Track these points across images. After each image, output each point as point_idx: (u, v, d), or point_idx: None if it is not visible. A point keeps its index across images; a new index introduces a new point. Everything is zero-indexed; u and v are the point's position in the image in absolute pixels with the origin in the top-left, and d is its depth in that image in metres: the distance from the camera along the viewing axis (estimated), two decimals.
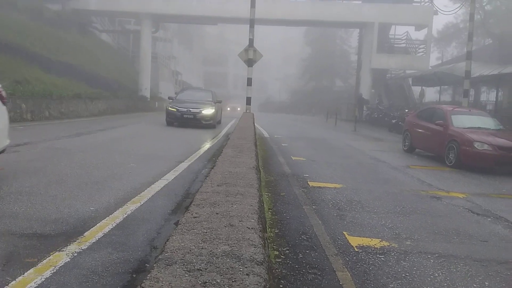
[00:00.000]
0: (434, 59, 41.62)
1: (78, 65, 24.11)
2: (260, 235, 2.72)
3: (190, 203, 3.47)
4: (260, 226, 2.94)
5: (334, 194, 6.54)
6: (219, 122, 19.13)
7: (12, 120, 13.97)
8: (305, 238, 4.40)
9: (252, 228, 2.79)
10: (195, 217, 2.99)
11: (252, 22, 17.61)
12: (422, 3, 33.33)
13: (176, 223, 4.20)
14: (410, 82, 32.64)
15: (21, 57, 18.75)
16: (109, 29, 39.49)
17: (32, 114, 15.38)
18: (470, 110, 13.13)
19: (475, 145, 10.20)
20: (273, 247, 3.98)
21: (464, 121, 11.51)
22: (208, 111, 16.81)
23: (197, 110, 16.68)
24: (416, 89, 32.42)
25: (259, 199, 3.79)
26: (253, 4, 17.46)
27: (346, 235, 4.59)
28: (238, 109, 48.63)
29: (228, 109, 49.41)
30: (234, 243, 2.51)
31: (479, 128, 11.23)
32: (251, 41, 17.56)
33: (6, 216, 4.24)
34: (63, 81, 20.55)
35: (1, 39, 18.66)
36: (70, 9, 31.63)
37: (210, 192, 3.77)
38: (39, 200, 4.82)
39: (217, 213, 3.10)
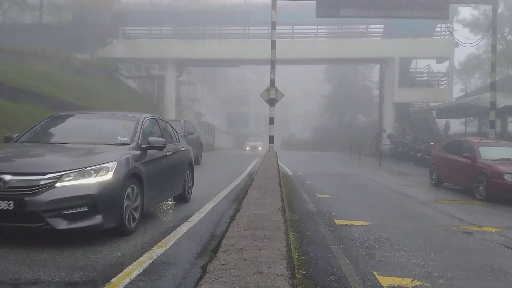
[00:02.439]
0: (457, 90, 41.33)
1: (103, 109, 24.81)
2: (290, 282, 2.68)
3: (217, 249, 3.46)
4: (289, 272, 2.91)
5: (362, 232, 6.42)
6: (183, 199, 8.27)
7: None
8: (333, 279, 4.31)
9: (281, 275, 2.76)
10: (223, 264, 2.97)
11: (273, 63, 17.95)
12: (442, 36, 33.42)
13: (203, 267, 4.19)
14: (434, 115, 32.31)
15: (50, 104, 19.47)
16: (135, 75, 40.80)
17: None
18: (497, 142, 12.89)
19: (505, 177, 9.95)
20: None
21: (492, 153, 11.28)
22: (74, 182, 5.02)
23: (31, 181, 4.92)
24: (441, 122, 32.03)
25: (287, 243, 3.75)
26: (273, 46, 17.85)
27: (376, 275, 4.47)
28: (260, 148, 43.23)
29: (247, 148, 45.18)
30: None
31: (508, 159, 10.99)
32: (272, 81, 17.84)
33: (35, 264, 4.30)
34: None
35: (31, 88, 19.50)
36: (97, 57, 32.92)
37: (237, 237, 3.75)
38: (67, 245, 4.88)
39: (245, 260, 3.08)
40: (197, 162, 15.67)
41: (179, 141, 8.50)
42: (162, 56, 33.59)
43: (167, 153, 7.22)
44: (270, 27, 18.79)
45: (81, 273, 4.06)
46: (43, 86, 20.62)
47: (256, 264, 2.99)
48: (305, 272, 4.44)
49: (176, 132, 8.72)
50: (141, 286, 3.77)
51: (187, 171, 8.39)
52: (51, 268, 4.17)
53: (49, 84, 21.50)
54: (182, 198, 8.21)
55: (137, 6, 36.39)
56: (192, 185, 8.80)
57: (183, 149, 8.39)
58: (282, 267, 2.95)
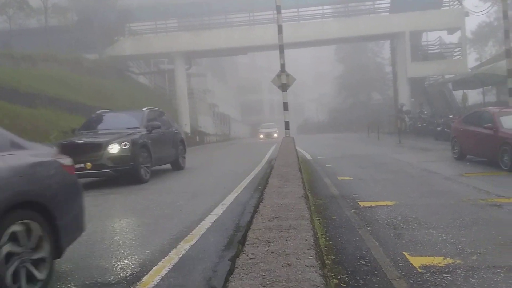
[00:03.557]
0: (472, 60, 40.57)
1: (118, 108, 24.96)
2: (320, 273, 2.64)
3: (244, 241, 3.43)
4: (319, 262, 2.86)
5: (388, 213, 6.33)
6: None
7: None
8: (364, 262, 4.25)
9: (311, 266, 2.71)
10: (251, 258, 2.94)
11: (281, 48, 17.76)
12: (451, 6, 32.70)
13: (231, 260, 4.17)
14: (451, 87, 31.75)
15: (66, 107, 19.68)
16: (145, 71, 40.98)
17: None
18: None
19: None
20: (332, 276, 3.86)
21: None
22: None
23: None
24: (458, 94, 31.47)
25: (313, 232, 3.70)
26: (280, 30, 17.65)
27: (407, 256, 4.40)
28: (275, 135, 39.81)
29: (261, 136, 41.09)
30: (295, 285, 2.44)
31: None
32: (282, 66, 17.67)
33: (67, 266, 4.34)
34: None
35: (45, 92, 19.69)
36: (107, 56, 33.07)
37: (263, 229, 3.71)
38: (97, 248, 4.92)
39: (272, 252, 3.04)
40: (178, 166, 12.78)
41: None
42: (170, 49, 33.61)
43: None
44: (276, 12, 18.57)
45: (112, 273, 4.09)
46: (57, 89, 20.81)
47: (284, 256, 2.95)
48: (334, 258, 4.39)
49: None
50: (172, 283, 3.76)
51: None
52: (83, 270, 4.21)
53: (62, 87, 21.69)
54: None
55: (141, 2, 36.33)
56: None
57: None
58: (311, 257, 2.91)
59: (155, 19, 35.19)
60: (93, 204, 7.70)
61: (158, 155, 11.21)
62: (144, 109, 11.88)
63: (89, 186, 9.90)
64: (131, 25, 36.28)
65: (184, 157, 13.25)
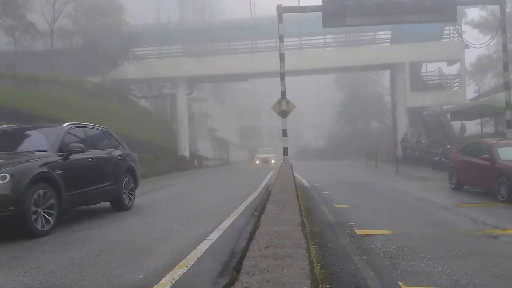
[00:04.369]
0: (471, 92, 40.90)
1: (120, 132, 25.04)
2: None
3: (239, 269, 3.42)
4: None
5: (384, 242, 6.31)
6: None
7: None
8: None
9: None
10: (246, 287, 2.92)
11: (282, 75, 17.99)
12: (452, 39, 33.21)
13: (225, 286, 4.14)
14: (449, 118, 31.95)
15: None
16: (147, 95, 41.34)
17: None
18: None
19: None
20: None
21: None
22: None
23: None
24: (456, 124, 31.65)
25: (309, 260, 3.69)
26: (282, 58, 17.90)
27: (402, 286, 4.37)
28: (273, 161, 37.34)
29: (257, 162, 38.26)
30: None
31: None
32: (283, 93, 17.86)
33: None
34: None
35: (47, 114, 19.80)
36: (110, 80, 33.41)
37: (258, 257, 3.70)
38: (89, 272, 4.88)
39: (268, 281, 3.02)
40: (119, 205, 9.36)
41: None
42: (173, 74, 33.97)
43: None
44: (278, 40, 18.87)
45: None
46: (59, 112, 20.95)
47: (279, 285, 2.93)
48: (329, 287, 4.37)
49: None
50: None
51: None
52: None
53: (65, 109, 21.84)
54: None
55: (145, 28, 36.95)
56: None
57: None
58: (307, 287, 2.90)
59: (159, 44, 35.70)
60: (88, 227, 7.67)
61: (78, 193, 7.81)
62: (65, 124, 8.44)
63: (85, 208, 9.87)
64: (135, 50, 36.79)
65: (132, 193, 9.71)
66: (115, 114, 28.12)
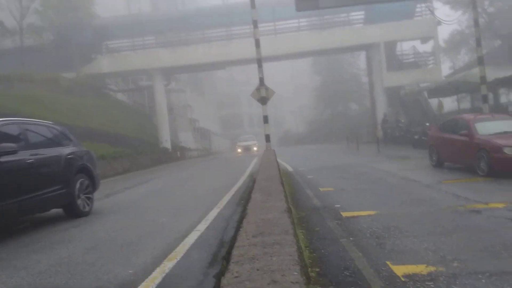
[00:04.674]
0: (446, 68, 41.43)
1: (97, 127, 24.72)
2: None
3: (229, 258, 3.42)
4: (304, 278, 2.87)
5: (370, 222, 6.40)
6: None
7: None
8: (348, 273, 4.28)
9: (296, 283, 2.72)
10: (236, 277, 2.92)
11: (259, 62, 17.89)
12: (424, 16, 33.52)
13: (215, 276, 4.15)
14: (426, 95, 32.39)
15: None
16: (123, 88, 40.73)
17: None
18: (493, 116, 12.90)
19: (505, 151, 9.97)
20: None
21: (489, 128, 11.29)
22: None
23: None
24: (433, 102, 32.12)
25: (298, 246, 3.71)
26: (257, 44, 17.79)
27: (390, 265, 4.44)
28: (255, 148, 36.12)
29: (239, 151, 36.90)
30: None
31: (505, 132, 11.01)
32: (261, 80, 17.79)
33: None
34: (85, 145, 20.98)
35: (21, 113, 19.34)
36: (84, 75, 32.81)
37: (247, 246, 3.70)
38: (78, 269, 4.83)
39: (257, 269, 3.03)
40: (74, 211, 8.10)
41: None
42: (148, 66, 33.53)
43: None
44: (252, 26, 18.74)
45: None
46: (34, 110, 20.49)
47: (269, 273, 2.95)
48: (318, 270, 4.41)
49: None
50: None
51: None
52: None
53: (39, 107, 21.39)
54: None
55: (117, 19, 36.27)
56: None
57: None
58: (296, 273, 2.91)
59: (133, 36, 35.12)
60: (73, 225, 7.58)
61: (13, 202, 6.54)
62: None
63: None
64: (108, 43, 36.14)
65: (89, 197, 8.48)
66: (92, 109, 27.67)
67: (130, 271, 4.64)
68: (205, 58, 33.44)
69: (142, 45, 35.76)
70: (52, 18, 33.35)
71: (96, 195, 9.16)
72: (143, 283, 4.22)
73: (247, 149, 36.36)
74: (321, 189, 10.30)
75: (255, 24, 18.05)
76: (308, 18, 35.86)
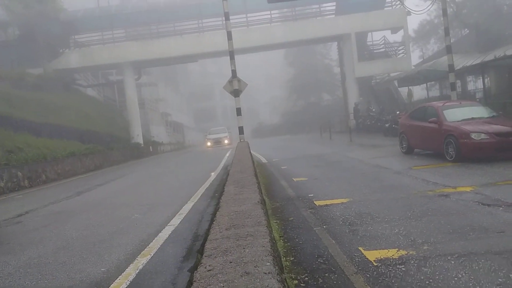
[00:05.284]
0: (416, 57, 42.15)
1: (67, 124, 24.20)
2: (279, 278, 2.65)
3: (202, 254, 3.40)
4: (277, 268, 2.88)
5: (343, 210, 6.48)
6: None
7: (10, 189, 13.96)
8: (322, 261, 4.33)
9: (269, 273, 2.72)
10: (209, 270, 2.91)
11: (231, 54, 17.80)
12: (394, 7, 33.96)
13: (190, 270, 4.13)
14: (396, 84, 32.94)
15: (9, 126, 18.84)
16: (93, 83, 39.96)
17: (30, 180, 15.32)
18: (460, 103, 13.20)
19: (472, 136, 10.22)
20: (292, 277, 3.91)
21: (457, 114, 11.55)
22: None
23: None
24: (403, 90, 32.68)
25: (270, 237, 3.72)
26: (229, 37, 17.69)
27: (362, 251, 4.52)
28: (226, 141, 35.09)
29: (209, 144, 35.23)
30: None
31: (472, 118, 11.27)
32: (234, 72, 17.71)
33: None
34: (55, 142, 20.58)
35: None
36: (51, 70, 32.00)
37: (220, 239, 3.69)
38: (49, 270, 4.73)
39: (230, 262, 3.03)
40: None
41: None
42: (118, 60, 32.96)
43: None
44: (224, 18, 18.60)
45: None
46: (0, 108, 19.89)
47: (242, 265, 2.95)
48: (293, 259, 4.45)
49: None
50: None
51: None
52: None
53: (5, 104, 20.78)
54: None
55: (85, 13, 35.46)
56: None
57: None
58: (269, 263, 2.92)
59: (102, 29, 34.41)
60: (43, 224, 7.42)
61: None
62: None
63: (39, 206, 9.53)
64: (76, 37, 35.32)
65: None
66: (61, 105, 27.03)
67: (103, 269, 4.58)
68: (177, 51, 33.07)
69: (112, 38, 35.10)
70: (18, 12, 32.30)
71: (67, 193, 8.99)
72: (117, 280, 4.17)
73: (217, 142, 35.09)
74: (294, 179, 10.37)
75: (226, 16, 17.93)
76: (280, 9, 35.88)
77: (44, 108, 24.33)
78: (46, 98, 26.74)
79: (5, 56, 30.90)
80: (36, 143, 19.04)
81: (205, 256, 3.26)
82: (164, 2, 38.01)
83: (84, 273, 4.51)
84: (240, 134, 18.28)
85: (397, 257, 4.22)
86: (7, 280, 4.50)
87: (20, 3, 32.29)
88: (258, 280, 2.65)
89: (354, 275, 3.88)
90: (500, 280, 3.50)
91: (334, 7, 35.39)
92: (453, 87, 18.41)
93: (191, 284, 2.79)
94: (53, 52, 33.06)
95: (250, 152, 13.88)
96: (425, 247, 4.44)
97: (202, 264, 3.07)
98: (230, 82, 17.74)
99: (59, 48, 33.96)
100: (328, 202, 7.19)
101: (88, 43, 35.72)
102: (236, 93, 17.74)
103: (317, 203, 7.18)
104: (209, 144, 34.95)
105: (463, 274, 3.67)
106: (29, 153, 16.43)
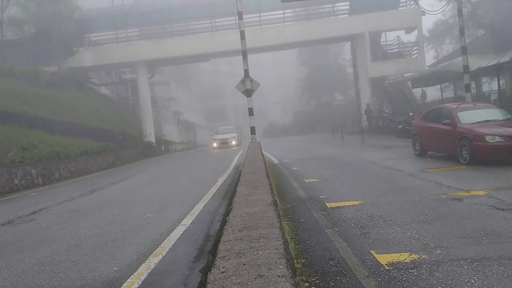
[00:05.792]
0: (430, 58, 41.76)
1: (80, 121, 24.45)
2: (292, 282, 2.66)
3: (215, 254, 3.42)
4: (290, 271, 2.88)
5: (354, 212, 6.45)
6: None
7: (24, 187, 14.13)
8: (333, 264, 4.32)
9: (282, 276, 2.73)
10: (223, 272, 2.93)
11: (244, 54, 17.81)
12: (408, 6, 33.68)
13: (202, 271, 4.15)
14: (410, 85, 32.67)
15: (24, 123, 19.09)
16: (106, 81, 40.28)
17: (43, 178, 15.50)
18: (475, 105, 13.02)
19: (487, 139, 10.10)
20: (303, 279, 3.90)
21: (471, 116, 11.43)
22: None
23: None
24: (417, 91, 32.40)
25: (283, 239, 3.73)
26: (242, 36, 17.70)
27: (374, 254, 4.49)
28: (233, 142, 32.65)
29: (214, 145, 32.73)
30: None
31: (487, 121, 11.15)
32: (246, 72, 17.71)
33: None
34: (68, 140, 20.80)
35: (3, 108, 19.04)
36: (66, 68, 32.33)
37: (233, 240, 3.71)
38: (62, 268, 4.78)
39: (244, 264, 3.04)
40: None
41: None
42: (132, 59, 33.16)
43: None
44: (237, 17, 18.62)
45: None
46: (15, 105, 20.18)
47: (255, 267, 2.95)
48: (304, 261, 4.44)
49: None
50: None
51: None
52: None
53: (21, 102, 21.05)
54: None
55: (99, 11, 35.74)
56: None
57: None
58: (282, 267, 2.92)
59: (115, 28, 34.66)
60: (57, 222, 7.51)
61: None
62: None
63: (52, 203, 9.64)
64: (90, 36, 35.63)
65: None
66: (75, 103, 27.32)
67: (115, 268, 4.61)
68: (190, 50, 33.18)
69: (126, 37, 35.34)
70: (33, 10, 32.71)
71: (80, 191, 9.07)
72: (129, 280, 4.21)
73: (224, 142, 32.81)
74: (306, 180, 10.34)
75: (240, 15, 17.95)
76: (293, 9, 35.80)
77: (58, 106, 24.61)
78: (60, 96, 27.04)
79: (21, 54, 31.29)
80: (49, 140, 19.26)
81: (219, 257, 3.27)
82: (177, 1, 38.18)
83: (97, 271, 4.55)
84: (252, 134, 18.28)
85: (409, 261, 4.19)
86: (20, 278, 4.56)
87: (35, 2, 32.69)
88: (272, 283, 2.66)
89: (366, 278, 3.86)
90: None
91: (347, 7, 35.19)
92: (467, 88, 18.21)
93: (203, 285, 2.81)
94: (68, 51, 33.39)
95: (261, 152, 13.88)
96: (437, 251, 4.40)
97: (215, 266, 3.08)
98: (243, 81, 17.75)
99: (74, 47, 34.29)
100: (340, 204, 7.16)
101: (102, 42, 36.02)
102: (248, 93, 17.75)
103: (329, 205, 7.16)
104: (215, 145, 32.73)
105: (476, 280, 3.63)
106: (43, 151, 16.63)
